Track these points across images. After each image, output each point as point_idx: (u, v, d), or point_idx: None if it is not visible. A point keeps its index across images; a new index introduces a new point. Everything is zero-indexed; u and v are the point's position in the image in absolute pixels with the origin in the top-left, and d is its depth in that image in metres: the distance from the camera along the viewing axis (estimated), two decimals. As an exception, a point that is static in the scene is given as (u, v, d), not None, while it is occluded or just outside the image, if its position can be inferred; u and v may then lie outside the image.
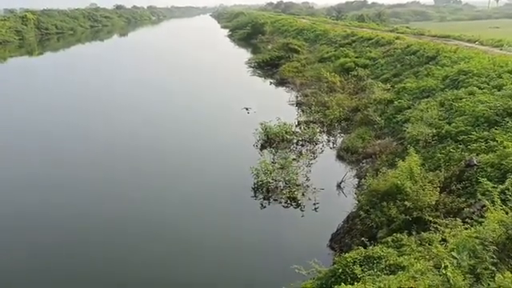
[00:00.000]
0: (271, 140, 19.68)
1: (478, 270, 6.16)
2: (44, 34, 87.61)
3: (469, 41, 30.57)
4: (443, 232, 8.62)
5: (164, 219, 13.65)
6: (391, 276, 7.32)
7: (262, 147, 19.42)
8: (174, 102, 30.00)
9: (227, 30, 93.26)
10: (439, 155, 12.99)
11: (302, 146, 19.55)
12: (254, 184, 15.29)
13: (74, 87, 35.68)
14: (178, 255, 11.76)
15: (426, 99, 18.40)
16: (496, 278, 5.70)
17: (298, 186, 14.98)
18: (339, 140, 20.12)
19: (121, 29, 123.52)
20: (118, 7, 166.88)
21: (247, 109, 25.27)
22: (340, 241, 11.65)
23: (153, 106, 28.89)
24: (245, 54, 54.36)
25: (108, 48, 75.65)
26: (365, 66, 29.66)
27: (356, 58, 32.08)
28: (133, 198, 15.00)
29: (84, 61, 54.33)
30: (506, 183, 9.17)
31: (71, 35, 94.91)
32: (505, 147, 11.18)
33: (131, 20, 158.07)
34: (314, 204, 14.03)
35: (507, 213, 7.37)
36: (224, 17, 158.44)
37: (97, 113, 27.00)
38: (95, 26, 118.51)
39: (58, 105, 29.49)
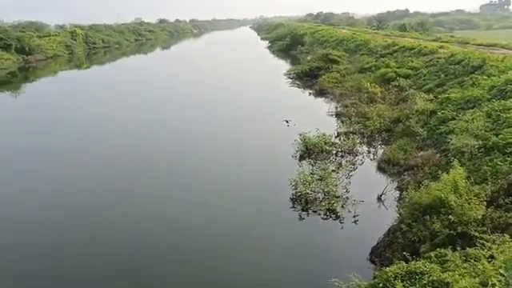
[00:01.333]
0: (310, 151, 19.57)
1: (528, 289, 5.89)
2: (92, 48, 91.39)
3: (517, 49, 29.42)
4: (490, 248, 8.28)
5: (202, 228, 13.81)
6: (434, 292, 7.10)
7: (301, 158, 19.36)
8: (214, 113, 30.45)
9: (267, 42, 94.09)
10: (486, 168, 12.51)
11: (342, 157, 19.33)
12: (293, 195, 15.24)
13: (113, 99, 37.03)
14: (218, 264, 11.84)
15: (471, 110, 17.82)
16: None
17: (337, 197, 14.80)
18: (380, 151, 19.76)
19: (163, 42, 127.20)
20: (162, 21, 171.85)
21: (287, 121, 25.22)
22: (380, 254, 11.39)
23: (194, 116, 29.42)
24: (284, 65, 54.58)
25: (151, 60, 78.05)
26: (406, 76, 29.10)
27: (397, 68, 31.54)
28: (170, 204, 15.31)
29: (125, 74, 56.22)
30: (559, 198, 8.73)
31: (117, 49, 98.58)
32: (557, 160, 10.64)
33: (174, 33, 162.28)
34: (354, 216, 13.81)
35: (560, 229, 7.02)
36: (264, 28, 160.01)
37: (136, 123, 27.81)
38: (139, 39, 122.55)
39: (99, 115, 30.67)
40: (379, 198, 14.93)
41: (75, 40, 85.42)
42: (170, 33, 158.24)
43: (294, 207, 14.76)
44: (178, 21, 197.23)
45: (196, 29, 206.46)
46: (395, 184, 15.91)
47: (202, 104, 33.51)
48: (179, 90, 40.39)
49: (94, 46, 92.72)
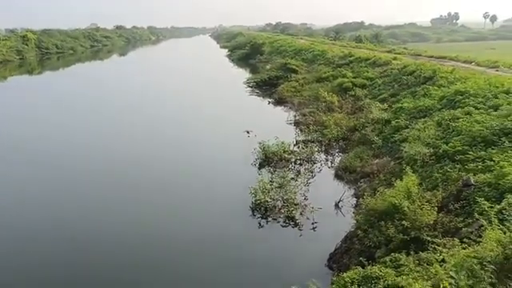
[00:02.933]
0: (269, 159, 19.68)
1: (477, 290, 6.15)
2: (44, 54, 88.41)
3: (465, 62, 30.90)
4: (441, 252, 8.59)
5: (160, 238, 13.58)
6: (389, 296, 7.29)
7: (261, 166, 19.41)
8: (173, 122, 30.07)
9: (226, 50, 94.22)
10: (437, 175, 13.03)
11: (300, 165, 19.55)
12: (252, 203, 15.24)
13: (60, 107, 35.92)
14: (173, 275, 11.65)
15: (423, 119, 18.55)
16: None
17: (296, 205, 14.93)
18: (337, 159, 20.14)
19: (120, 48, 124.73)
20: (118, 27, 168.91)
21: (248, 132, 25.07)
22: (338, 260, 11.59)
23: (152, 127, 28.86)
24: (243, 74, 54.77)
25: (107, 68, 76.29)
26: (362, 86, 29.91)
27: (354, 78, 32.33)
28: (130, 216, 14.98)
29: (76, 81, 54.76)
30: (503, 203, 9.22)
31: (71, 55, 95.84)
32: (501, 167, 11.22)
33: (131, 40, 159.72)
34: (312, 223, 13.97)
35: (505, 232, 7.40)
36: (223, 37, 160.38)
37: (90, 137, 27.10)
38: (95, 45, 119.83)
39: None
40: (337, 205, 15.20)
41: (27, 45, 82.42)
42: (127, 39, 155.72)
43: (253, 215, 14.77)
44: (135, 27, 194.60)
45: (154, 36, 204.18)
46: (352, 191, 16.26)
47: (159, 113, 32.92)
48: (135, 100, 39.25)
49: (46, 51, 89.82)
